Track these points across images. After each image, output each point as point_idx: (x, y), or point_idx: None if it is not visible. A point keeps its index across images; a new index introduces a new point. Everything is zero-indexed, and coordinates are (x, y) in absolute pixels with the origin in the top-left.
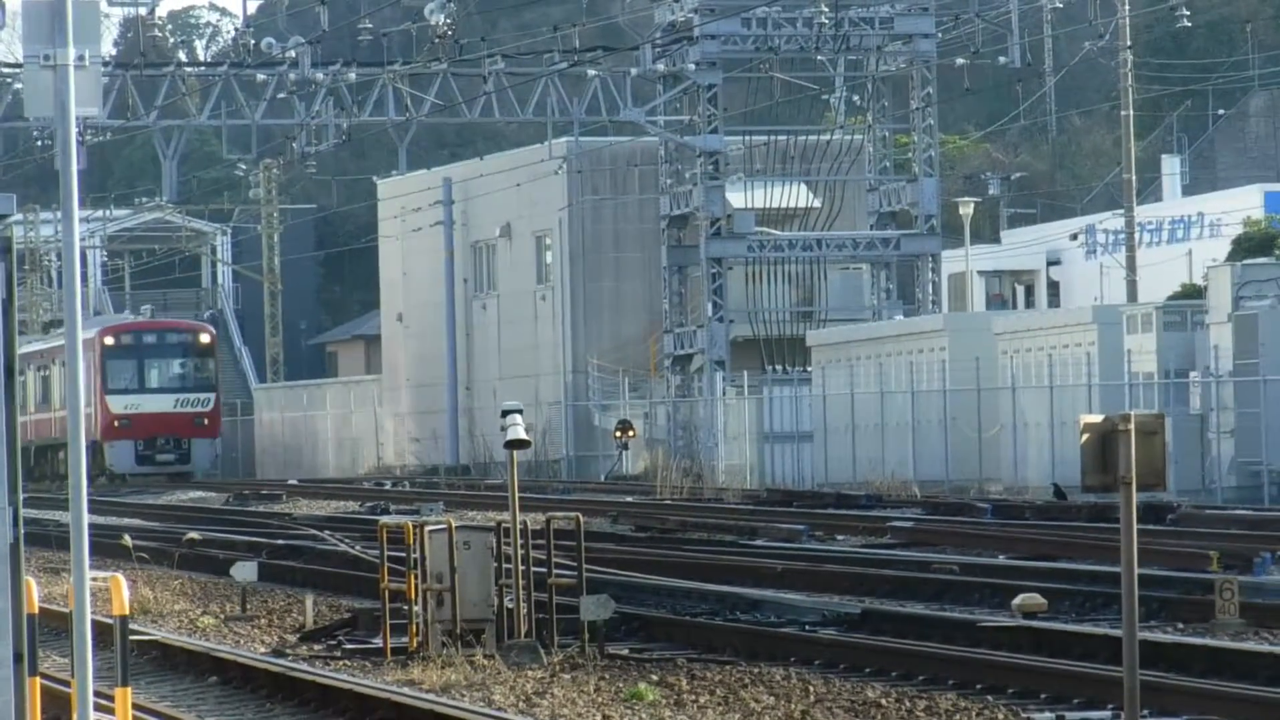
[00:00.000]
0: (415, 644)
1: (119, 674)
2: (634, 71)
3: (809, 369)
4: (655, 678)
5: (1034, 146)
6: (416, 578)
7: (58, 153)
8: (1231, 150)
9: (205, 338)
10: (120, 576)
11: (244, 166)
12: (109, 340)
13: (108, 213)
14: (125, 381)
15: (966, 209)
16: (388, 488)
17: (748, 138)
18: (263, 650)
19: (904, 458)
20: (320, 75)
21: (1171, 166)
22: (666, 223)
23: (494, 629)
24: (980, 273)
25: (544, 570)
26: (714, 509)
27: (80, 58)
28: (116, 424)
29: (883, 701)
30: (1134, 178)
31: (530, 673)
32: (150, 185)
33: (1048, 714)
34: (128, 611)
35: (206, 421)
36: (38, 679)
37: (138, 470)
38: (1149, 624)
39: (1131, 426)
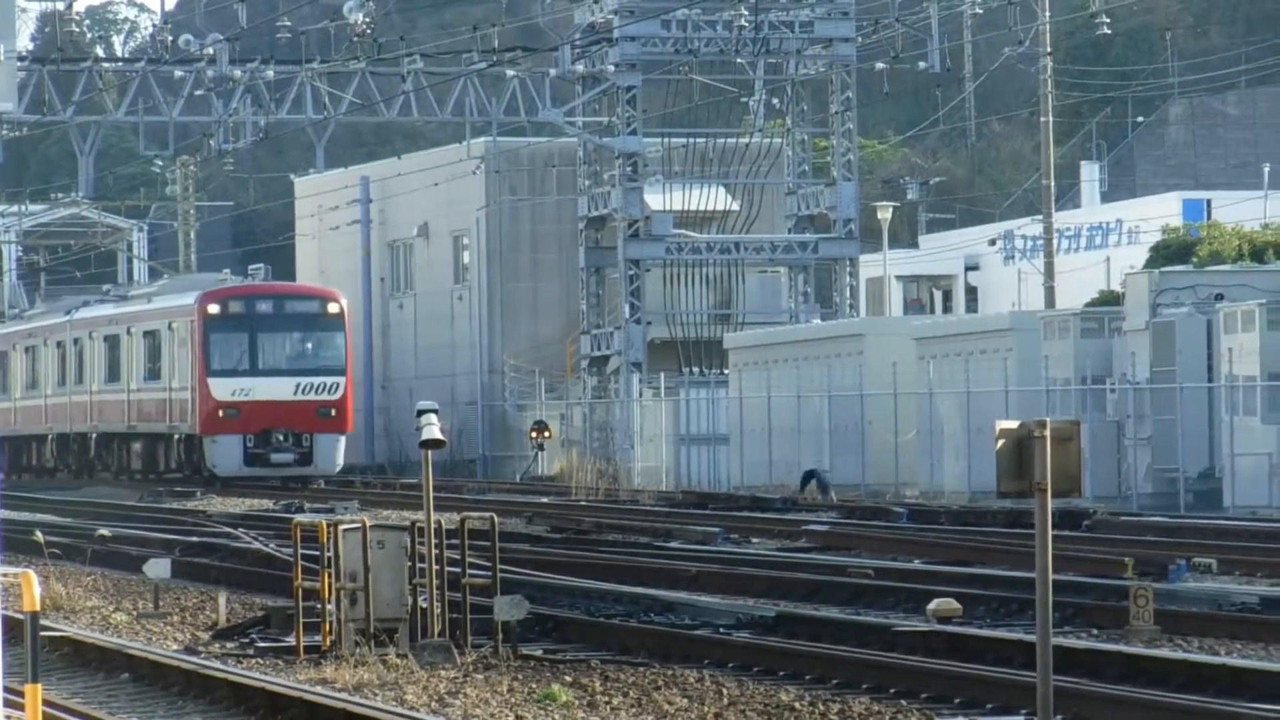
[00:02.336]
0: (328, 643)
1: (29, 670)
2: (553, 72)
3: (726, 372)
4: (569, 679)
5: (953, 152)
6: (330, 576)
7: None
8: (1150, 158)
9: (334, 306)
10: (31, 572)
11: (161, 163)
12: (213, 308)
13: (23, 208)
14: (234, 360)
15: (885, 213)
16: (303, 486)
17: (666, 140)
18: (175, 648)
19: (820, 461)
20: (238, 73)
21: (1090, 173)
22: (584, 224)
23: (407, 628)
24: (898, 277)
25: (458, 570)
26: (629, 510)
27: None
28: (221, 414)
29: (796, 705)
30: (1053, 184)
31: (443, 672)
32: (66, 181)
33: (961, 719)
34: (38, 608)
35: (334, 412)
36: None
37: (246, 472)
38: (1063, 630)
39: (1047, 433)
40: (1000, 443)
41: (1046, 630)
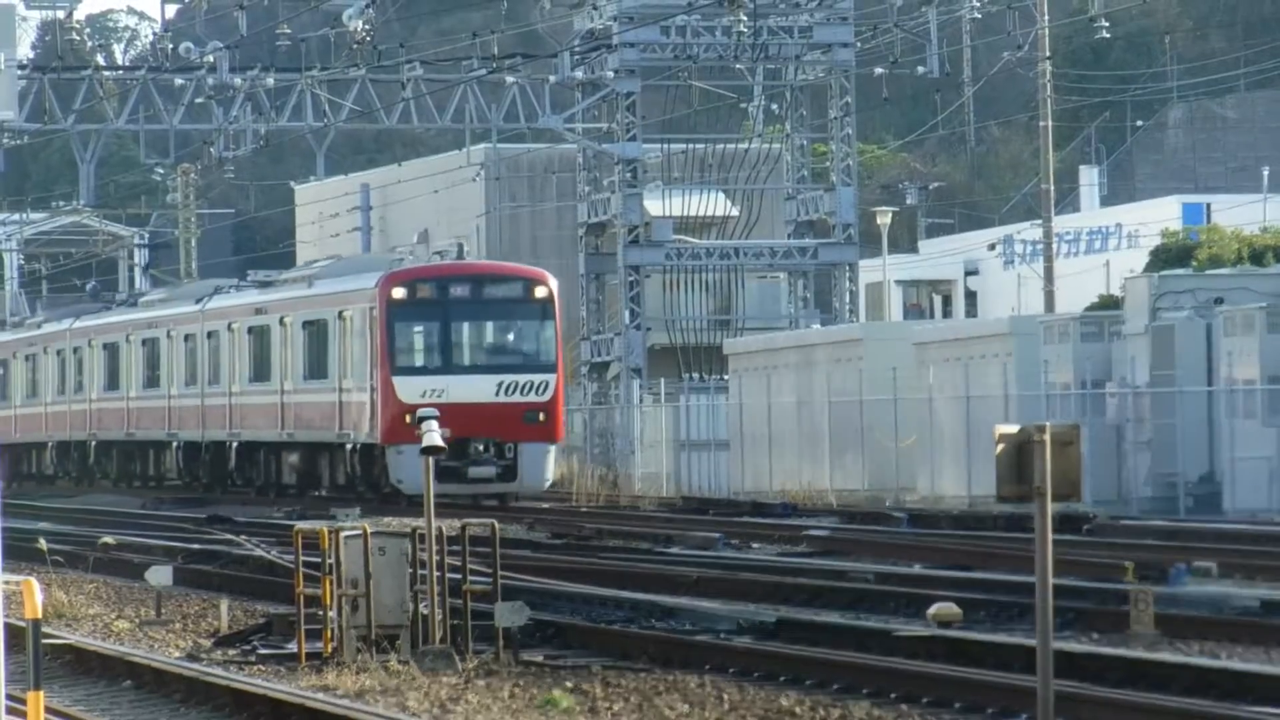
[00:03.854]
0: (330, 649)
1: (32, 678)
2: (553, 79)
3: (726, 377)
4: (569, 685)
5: (952, 156)
6: (332, 583)
7: None
8: (1149, 162)
9: (542, 289)
10: (33, 580)
11: (161, 171)
12: (398, 292)
13: (24, 216)
14: (423, 355)
15: (884, 218)
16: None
17: (666, 146)
18: (177, 655)
19: (820, 467)
20: (238, 80)
21: (1089, 177)
22: (584, 230)
23: (409, 635)
24: (897, 282)
25: (459, 577)
26: (630, 516)
27: None
28: (408, 419)
29: (797, 710)
30: (1052, 188)
31: (444, 679)
32: (67, 189)
33: None
34: (41, 615)
35: (543, 417)
36: None
37: (438, 489)
38: (1064, 634)
39: (1047, 437)
40: (1000, 447)
41: (1047, 634)
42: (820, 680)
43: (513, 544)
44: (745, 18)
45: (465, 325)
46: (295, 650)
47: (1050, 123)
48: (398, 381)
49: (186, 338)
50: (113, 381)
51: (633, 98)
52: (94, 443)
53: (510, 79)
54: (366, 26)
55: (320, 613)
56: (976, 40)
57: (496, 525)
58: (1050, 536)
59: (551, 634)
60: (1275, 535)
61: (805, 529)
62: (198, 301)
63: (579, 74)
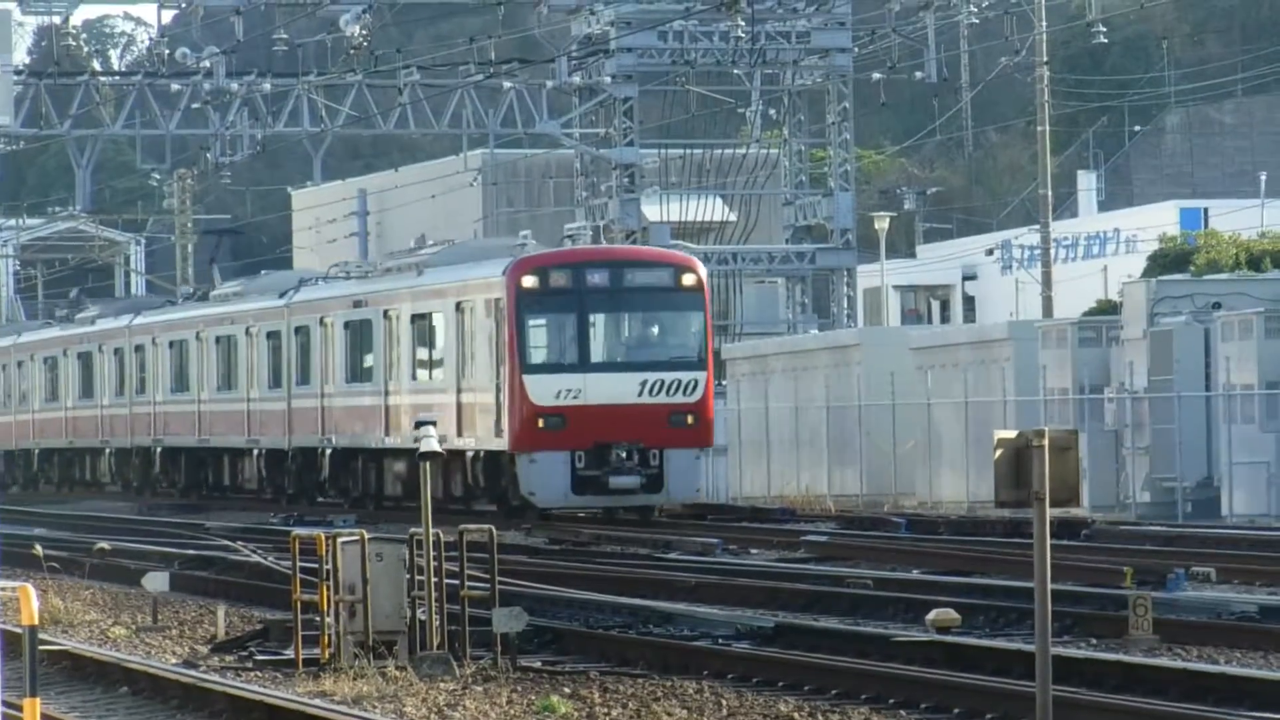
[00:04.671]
0: (327, 655)
1: (28, 684)
2: (550, 84)
3: (724, 382)
4: (568, 690)
5: (950, 161)
6: (329, 589)
7: None
8: (1147, 167)
9: (690, 277)
10: (29, 586)
11: (158, 176)
12: (529, 281)
13: (20, 222)
14: (558, 351)
15: (882, 223)
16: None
17: (663, 151)
18: (174, 661)
19: (819, 472)
20: (235, 85)
21: (1087, 182)
22: None
23: (406, 641)
24: (896, 287)
25: (456, 583)
26: (627, 522)
27: None
28: (541, 423)
29: (795, 716)
30: (1050, 193)
31: (442, 684)
32: (64, 194)
33: None
34: (37, 621)
35: (692, 419)
36: None
37: (576, 502)
38: (1062, 639)
39: (1045, 442)
40: (998, 452)
41: (1045, 640)
42: (818, 686)
43: (510, 550)
44: (743, 23)
45: (604, 317)
46: (292, 656)
47: (1048, 128)
48: (529, 381)
49: (269, 335)
50: (181, 383)
51: (630, 103)
52: (159, 450)
53: (507, 84)
54: (363, 32)
55: (317, 619)
56: (974, 45)
57: (494, 531)
58: (1048, 542)
59: (549, 640)
60: (1273, 540)
61: (803, 534)
62: (281, 295)
63: (576, 79)
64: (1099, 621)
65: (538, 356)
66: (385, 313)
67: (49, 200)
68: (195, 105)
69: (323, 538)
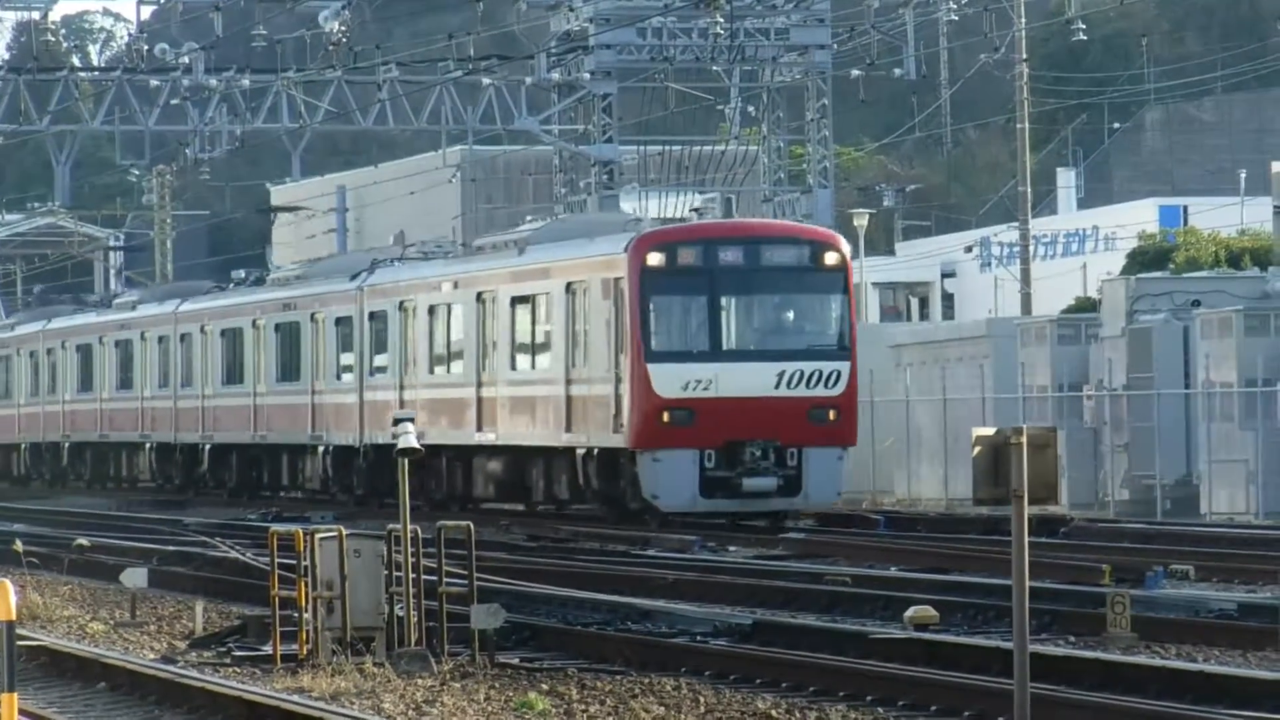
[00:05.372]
0: (305, 651)
1: (5, 679)
2: (529, 80)
3: None
4: (545, 687)
5: (929, 159)
6: (307, 585)
7: None
8: (1126, 164)
9: (833, 255)
10: (8, 582)
11: (137, 172)
12: (654, 258)
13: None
14: (686, 338)
15: (861, 221)
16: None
17: (643, 147)
18: (152, 657)
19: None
20: (214, 81)
21: (1066, 180)
22: None
23: (384, 637)
24: (875, 284)
25: (435, 579)
26: (605, 518)
27: None
28: (667, 417)
29: (773, 713)
30: (1029, 191)
31: (420, 681)
32: (43, 190)
33: None
34: (15, 617)
35: (834, 415)
36: None
37: (703, 506)
38: (1040, 637)
39: (1023, 440)
40: (977, 450)
41: (1023, 637)
42: (796, 683)
43: (489, 546)
44: (721, 19)
45: (738, 299)
46: (270, 652)
47: (1027, 125)
48: (654, 371)
49: (338, 321)
50: (234, 374)
51: (609, 99)
52: (208, 447)
53: (486, 81)
54: (343, 28)
55: (295, 615)
56: (953, 42)
57: (472, 527)
58: (1027, 539)
59: (527, 636)
60: (1252, 538)
61: (782, 531)
62: (353, 278)
63: (555, 76)
64: (1077, 619)
65: (664, 343)
66: (479, 296)
67: (28, 196)
68: (174, 101)
69: (300, 534)
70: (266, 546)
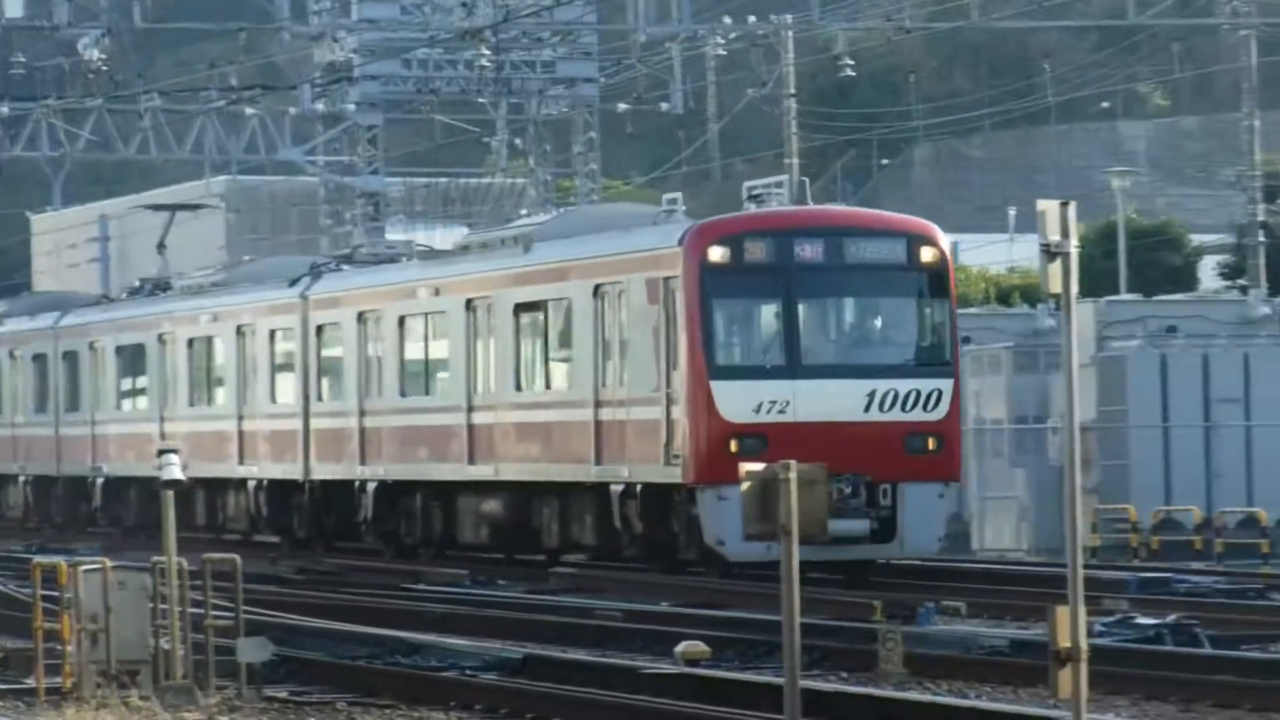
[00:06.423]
0: (70, 684)
1: None
2: (293, 111)
3: None
4: None
5: (698, 193)
6: (71, 617)
7: None
8: (895, 199)
9: (931, 252)
10: None
11: None
12: (716, 253)
13: None
14: (757, 350)
15: None
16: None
17: (408, 179)
18: None
19: None
20: None
21: None
22: None
23: (150, 670)
24: None
25: (201, 611)
26: (376, 552)
27: None
28: (735, 446)
29: None
30: None
31: (186, 714)
32: None
33: None
34: None
35: (934, 444)
36: None
37: (775, 555)
38: (812, 673)
39: (792, 475)
40: (746, 485)
41: (794, 673)
42: (567, 717)
43: (257, 579)
44: (488, 52)
45: (820, 304)
46: (34, 685)
47: (796, 160)
48: (719, 390)
49: (274, 335)
50: (132, 398)
51: (374, 131)
52: (100, 481)
53: (250, 110)
54: (103, 56)
55: (59, 647)
56: (721, 77)
57: (239, 560)
58: (796, 574)
59: (296, 669)
60: (1023, 575)
61: (553, 567)
62: (292, 284)
63: (320, 106)
64: (849, 655)
65: (731, 356)
66: (469, 304)
67: None
68: None
69: (64, 565)
70: (29, 577)
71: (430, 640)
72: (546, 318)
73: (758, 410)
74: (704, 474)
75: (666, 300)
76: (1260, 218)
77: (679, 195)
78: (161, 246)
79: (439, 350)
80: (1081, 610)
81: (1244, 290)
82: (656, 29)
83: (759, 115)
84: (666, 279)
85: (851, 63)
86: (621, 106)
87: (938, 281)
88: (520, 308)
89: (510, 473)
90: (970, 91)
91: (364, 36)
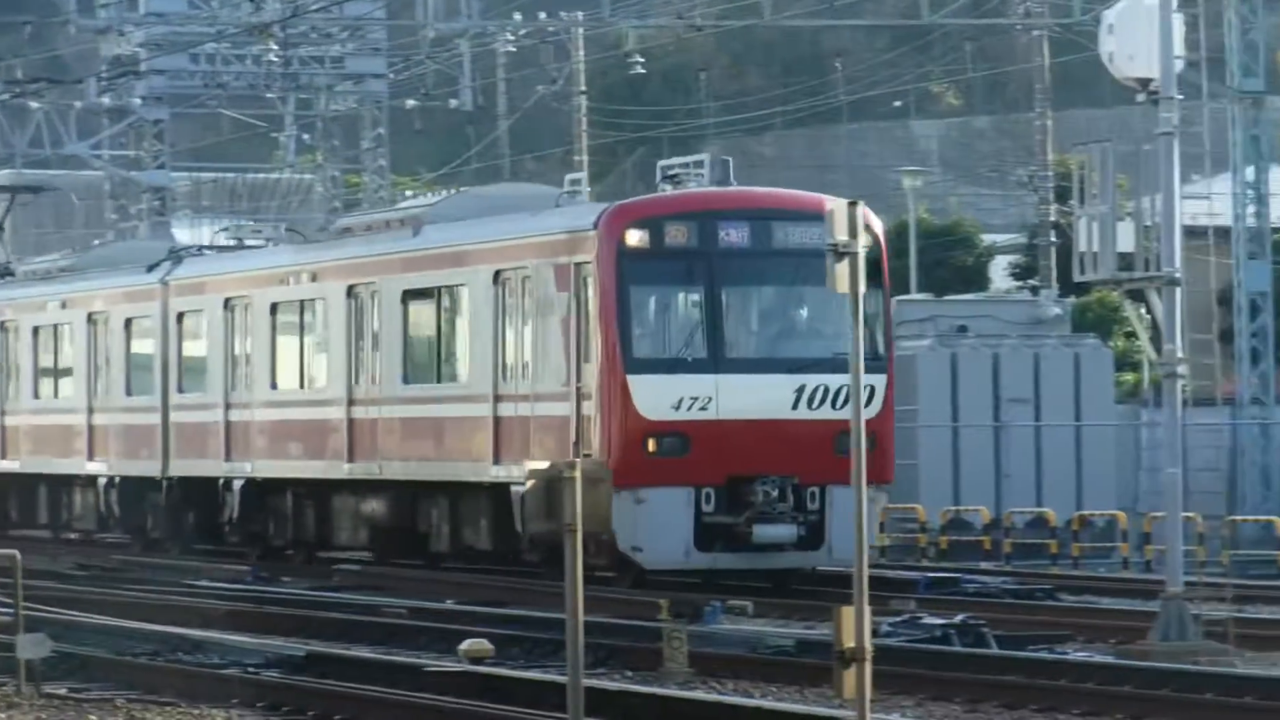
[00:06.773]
0: None
1: None
2: (78, 105)
3: None
4: (94, 718)
5: None
6: None
7: None
8: None
9: (865, 236)
10: None
11: None
12: (634, 237)
13: None
14: (676, 342)
15: None
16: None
17: (196, 174)
18: None
19: None
20: None
21: None
22: None
23: None
24: None
25: None
26: (160, 548)
27: None
28: (653, 446)
29: None
30: None
31: None
32: None
33: None
34: None
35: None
36: None
37: (699, 562)
38: (596, 671)
39: (577, 474)
40: (531, 483)
41: (577, 671)
42: (350, 715)
43: (37, 575)
44: (276, 46)
45: (745, 293)
46: None
47: (586, 157)
48: (636, 384)
49: (128, 323)
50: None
51: (161, 125)
52: None
53: (35, 104)
54: None
55: None
56: (511, 74)
57: (18, 555)
58: (580, 572)
59: (76, 666)
60: (810, 575)
61: (336, 563)
62: (150, 269)
63: (106, 100)
64: (634, 654)
65: (649, 349)
66: (351, 290)
67: None
68: None
69: None
70: None
71: (212, 637)
72: (439, 305)
73: (677, 407)
74: (620, 476)
75: (578, 287)
76: (1052, 218)
77: (583, 175)
78: None
79: (315, 339)
80: (866, 610)
81: (1035, 290)
82: (445, 25)
83: (549, 112)
84: (579, 264)
85: (642, 60)
86: (410, 103)
87: (872, 269)
88: (409, 295)
89: (395, 471)
90: (762, 90)
91: (151, 30)
